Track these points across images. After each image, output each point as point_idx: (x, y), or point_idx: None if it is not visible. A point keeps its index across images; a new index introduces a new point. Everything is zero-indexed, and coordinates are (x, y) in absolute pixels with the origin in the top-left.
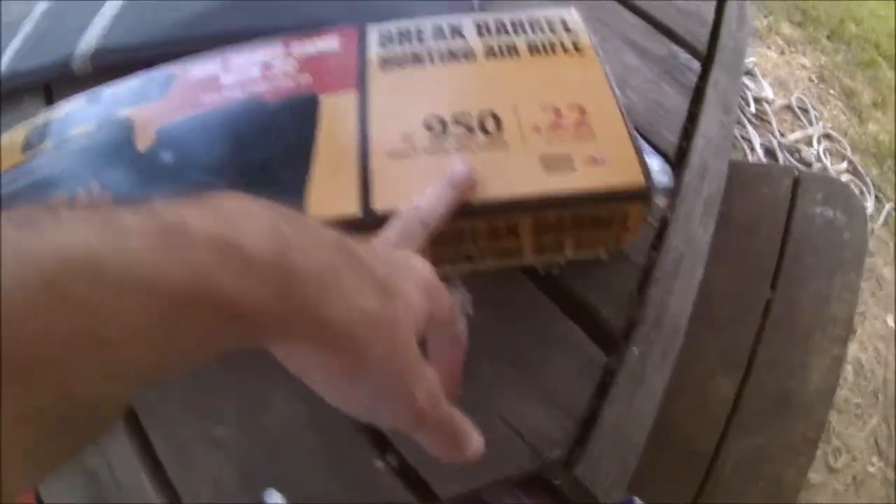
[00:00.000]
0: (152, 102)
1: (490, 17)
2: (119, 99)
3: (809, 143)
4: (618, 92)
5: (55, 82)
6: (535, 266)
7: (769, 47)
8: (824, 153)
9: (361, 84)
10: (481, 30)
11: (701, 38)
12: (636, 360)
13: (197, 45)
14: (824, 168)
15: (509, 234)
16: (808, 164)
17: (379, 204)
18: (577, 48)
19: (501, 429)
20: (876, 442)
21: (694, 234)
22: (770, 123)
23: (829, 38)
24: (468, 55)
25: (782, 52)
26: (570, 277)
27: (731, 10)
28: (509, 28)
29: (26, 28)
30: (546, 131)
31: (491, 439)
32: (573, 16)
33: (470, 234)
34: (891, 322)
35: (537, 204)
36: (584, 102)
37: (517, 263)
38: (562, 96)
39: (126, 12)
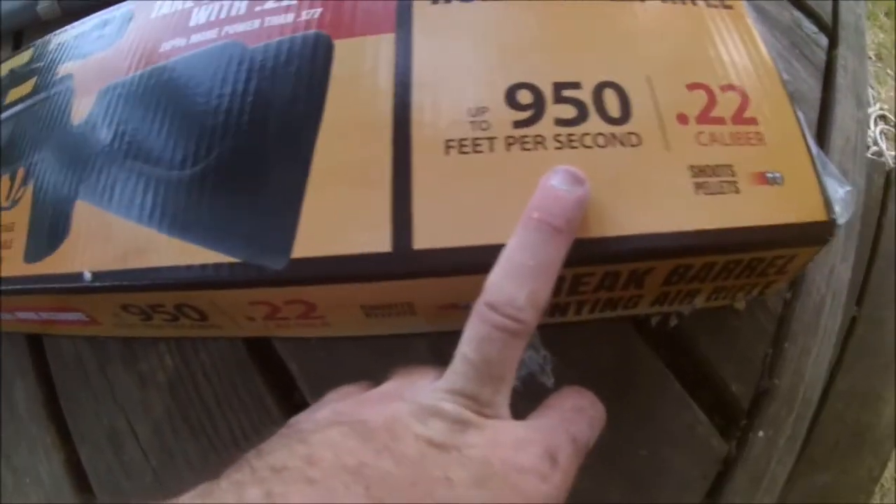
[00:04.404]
0: (99, 53)
1: None
2: (65, 49)
3: (867, 125)
4: (784, 73)
5: (26, 29)
6: (647, 315)
7: None
8: (881, 136)
9: (402, 23)
10: None
11: (825, 7)
12: (761, 448)
13: None
14: (881, 153)
15: (629, 284)
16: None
17: (424, 236)
18: (724, 1)
19: None
20: None
21: (835, 272)
22: None
23: (887, 15)
24: None
25: None
26: (691, 330)
27: None
28: None
29: None
30: (696, 124)
31: None
32: None
33: (570, 284)
34: None
35: (688, 247)
36: (745, 84)
37: (627, 314)
38: (713, 70)
39: None
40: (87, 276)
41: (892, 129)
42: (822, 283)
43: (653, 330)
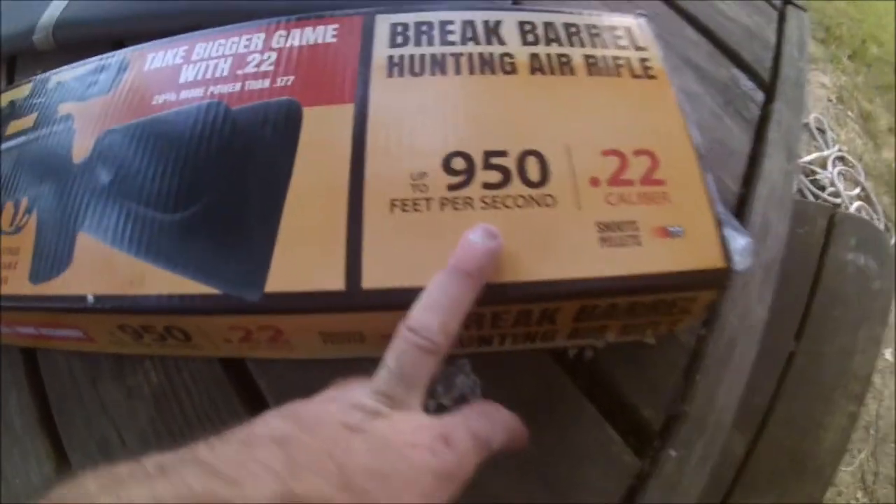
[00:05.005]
0: (98, 98)
1: (538, 17)
2: (64, 89)
3: (824, 166)
4: (696, 136)
5: (20, 57)
6: (565, 348)
7: None
8: (838, 177)
9: (360, 95)
10: (525, 32)
11: (764, 64)
12: (673, 465)
13: (168, 23)
14: (838, 193)
15: (543, 321)
16: (822, 188)
17: (371, 277)
18: (647, 71)
19: None
20: (862, 478)
21: (750, 311)
22: None
23: (850, 58)
24: (507, 66)
25: None
26: (606, 363)
27: (791, 31)
28: (562, 34)
29: None
30: (607, 186)
31: None
32: (643, 27)
33: (490, 319)
34: (889, 356)
35: (589, 290)
36: (656, 148)
37: (546, 346)
38: (628, 137)
39: None
40: (90, 299)
41: (851, 170)
42: (735, 322)
43: (570, 361)
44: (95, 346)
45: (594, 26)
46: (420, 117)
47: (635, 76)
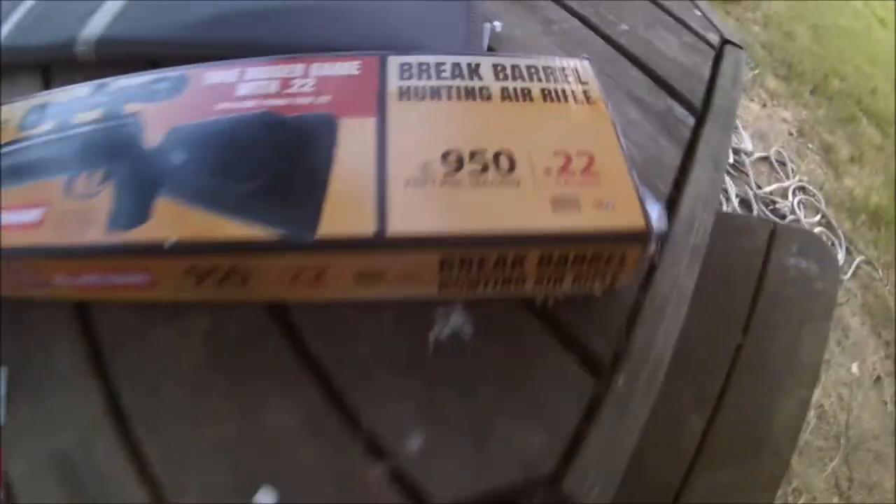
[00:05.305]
0: (163, 102)
1: (507, 60)
2: (128, 93)
3: (785, 196)
4: (624, 142)
5: (56, 64)
6: (533, 297)
7: (752, 100)
8: (799, 206)
9: (380, 111)
10: (498, 72)
11: (697, 95)
12: (622, 388)
13: (208, 51)
14: (798, 220)
15: (515, 265)
16: (783, 217)
17: (394, 227)
18: (587, 98)
19: (497, 444)
20: (836, 483)
21: (679, 280)
22: (747, 175)
23: (812, 92)
24: (485, 95)
25: (764, 105)
26: (565, 310)
27: (727, 68)
28: (525, 73)
29: (27, 2)
30: (556, 174)
31: (487, 453)
32: (586, 67)
33: (478, 262)
34: (855, 370)
35: (545, 239)
36: (593, 150)
37: (518, 293)
38: (572, 143)
39: (137, 3)
40: (169, 243)
41: (811, 199)
42: (666, 289)
43: (536, 307)
44: (153, 294)
45: (549, 67)
46: (424, 127)
47: (578, 102)
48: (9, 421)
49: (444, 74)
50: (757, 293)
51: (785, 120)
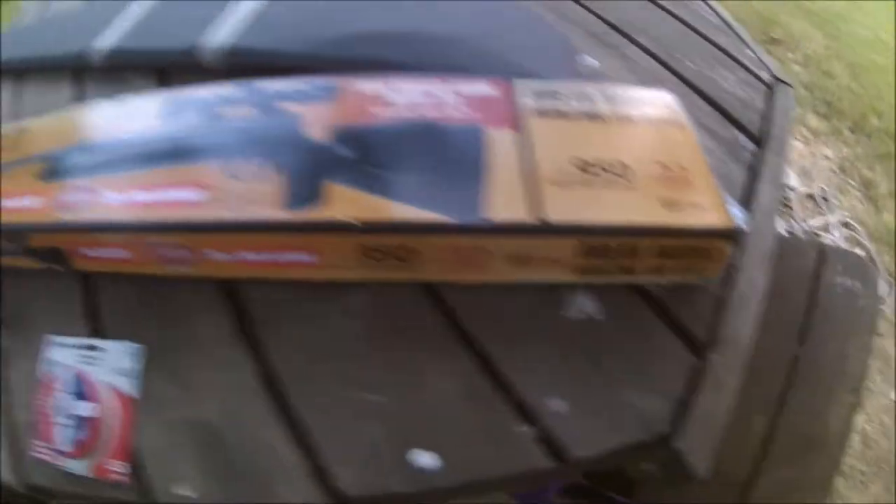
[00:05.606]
0: (319, 103)
1: (613, 89)
2: (281, 94)
3: (827, 230)
4: (708, 158)
5: (174, 68)
6: (643, 284)
7: (796, 138)
8: (841, 240)
9: (518, 125)
10: (608, 98)
11: (755, 125)
12: (717, 365)
13: (341, 66)
14: None
15: (632, 254)
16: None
17: (548, 216)
18: (676, 123)
19: (622, 408)
20: None
21: (754, 278)
22: (792, 210)
23: (851, 130)
24: (598, 116)
25: (807, 143)
26: (668, 296)
27: (779, 102)
28: (627, 100)
29: (135, 10)
30: (661, 181)
31: (615, 415)
32: (672, 98)
33: (607, 248)
34: (893, 396)
35: (660, 231)
36: (685, 163)
37: (631, 280)
38: (669, 157)
39: (268, 17)
40: (352, 221)
41: (854, 234)
42: (745, 284)
43: (646, 292)
44: (315, 272)
45: (645, 96)
46: (556, 139)
47: (669, 125)
48: (146, 394)
49: (564, 97)
50: (810, 308)
51: (826, 157)
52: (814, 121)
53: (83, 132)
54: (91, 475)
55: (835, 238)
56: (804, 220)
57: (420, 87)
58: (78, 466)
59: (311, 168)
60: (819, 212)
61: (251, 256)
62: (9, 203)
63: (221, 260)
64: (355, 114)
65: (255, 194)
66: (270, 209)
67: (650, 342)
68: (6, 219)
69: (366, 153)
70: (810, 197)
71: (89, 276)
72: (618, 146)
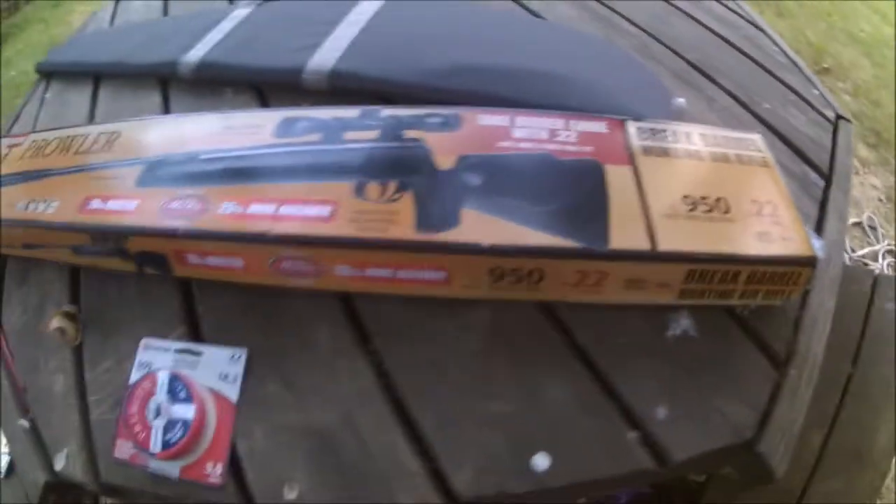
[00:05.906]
0: (443, 133)
1: (709, 131)
2: (402, 121)
3: (875, 259)
4: (792, 197)
5: (269, 87)
6: (734, 307)
7: None
8: (888, 268)
9: (632, 162)
10: (705, 139)
11: (824, 162)
12: (794, 379)
13: (439, 95)
14: None
15: (730, 280)
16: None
17: (663, 245)
18: (765, 162)
19: (715, 415)
20: None
21: (825, 301)
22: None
23: None
24: (699, 156)
25: (857, 173)
26: (753, 316)
27: (842, 139)
28: (722, 141)
29: (225, 26)
30: (754, 215)
31: (709, 421)
32: (760, 139)
33: (710, 274)
34: None
35: (756, 261)
36: (774, 199)
37: (725, 303)
38: (761, 194)
39: (366, 43)
40: (485, 244)
41: None
42: (816, 307)
43: (737, 314)
44: (442, 290)
45: (737, 137)
46: (665, 176)
47: (759, 164)
48: (250, 398)
49: (668, 138)
50: (864, 331)
51: (874, 186)
52: (863, 150)
53: (186, 141)
54: (182, 477)
55: (882, 266)
56: (853, 250)
57: (542, 123)
58: (168, 468)
59: (444, 193)
60: (867, 241)
61: (379, 273)
62: (102, 204)
63: (345, 275)
64: (479, 144)
65: (388, 215)
66: (406, 229)
67: (738, 357)
68: (99, 220)
69: (492, 181)
70: (858, 225)
71: (187, 280)
72: (717, 184)
